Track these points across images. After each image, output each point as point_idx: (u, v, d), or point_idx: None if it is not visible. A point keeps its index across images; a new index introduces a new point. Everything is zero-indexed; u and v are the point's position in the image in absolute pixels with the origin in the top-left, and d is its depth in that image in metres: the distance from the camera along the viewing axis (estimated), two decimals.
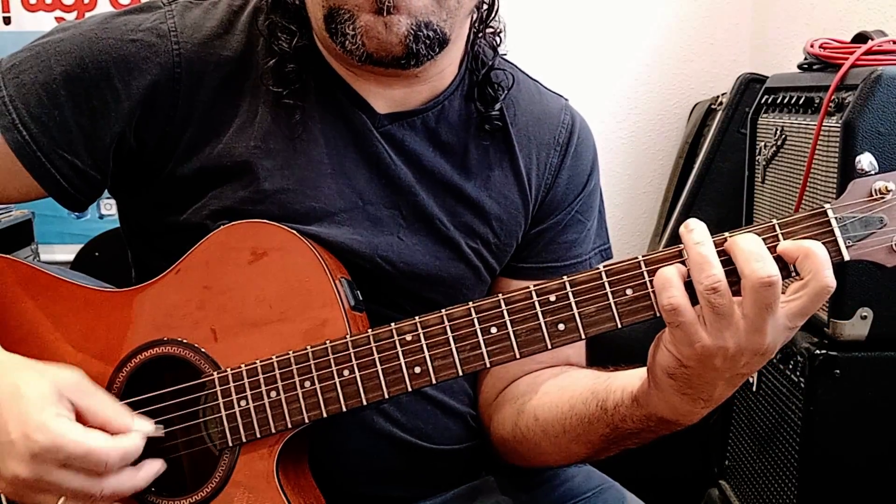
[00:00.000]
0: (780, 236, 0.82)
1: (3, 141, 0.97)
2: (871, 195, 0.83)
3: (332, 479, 1.01)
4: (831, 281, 0.80)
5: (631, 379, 0.94)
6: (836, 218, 0.82)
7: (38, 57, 0.98)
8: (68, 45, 0.98)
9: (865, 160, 0.83)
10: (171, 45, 0.99)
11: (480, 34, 1.10)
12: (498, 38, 1.13)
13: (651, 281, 0.84)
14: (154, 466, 0.91)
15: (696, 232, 0.82)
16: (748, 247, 0.81)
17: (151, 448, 0.94)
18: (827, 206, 0.83)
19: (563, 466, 1.12)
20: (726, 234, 0.83)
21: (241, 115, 1.01)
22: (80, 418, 0.86)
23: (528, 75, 1.17)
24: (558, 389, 1.05)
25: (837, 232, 0.82)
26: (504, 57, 1.14)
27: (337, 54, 1.01)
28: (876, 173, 0.83)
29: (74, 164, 0.99)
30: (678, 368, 0.85)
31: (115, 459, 0.85)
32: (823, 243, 0.81)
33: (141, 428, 0.89)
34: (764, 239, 0.82)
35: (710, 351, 0.82)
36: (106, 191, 1.09)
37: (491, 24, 1.11)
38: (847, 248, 0.82)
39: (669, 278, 0.82)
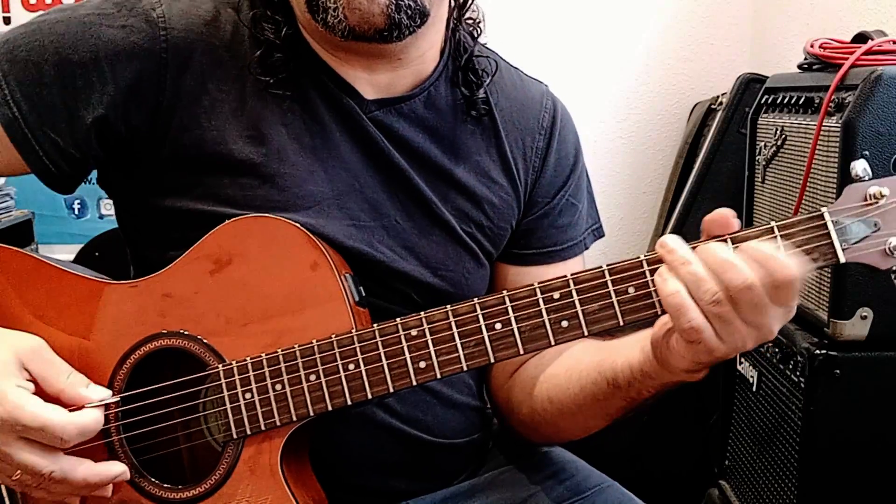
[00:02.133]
0: (779, 238, 0.84)
1: None
2: (866, 200, 0.85)
3: (333, 471, 1.01)
4: (783, 271, 0.81)
5: (633, 352, 0.96)
6: (832, 221, 0.84)
7: (33, 36, 1.00)
8: (63, 26, 1.00)
9: (860, 166, 0.85)
10: (158, 31, 1.00)
11: (460, 22, 1.12)
12: (478, 28, 1.15)
13: (653, 280, 0.85)
14: (115, 468, 0.92)
15: (677, 252, 0.84)
16: (716, 257, 0.82)
17: (152, 439, 0.95)
18: (824, 209, 0.85)
19: (585, 438, 1.13)
20: (694, 243, 0.85)
21: (230, 103, 1.02)
22: (38, 387, 0.88)
23: (508, 63, 1.19)
24: (564, 370, 1.07)
25: (834, 235, 0.84)
26: (485, 45, 1.16)
27: (321, 39, 1.03)
28: (869, 179, 0.85)
29: (56, 142, 1.00)
30: (697, 365, 0.87)
31: (71, 434, 0.87)
32: (820, 245, 0.84)
33: (94, 399, 0.91)
34: (764, 241, 0.83)
35: (726, 353, 0.85)
36: (105, 191, 1.10)
37: (469, 13, 1.13)
38: (843, 250, 0.84)
39: (684, 302, 0.83)
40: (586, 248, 1.19)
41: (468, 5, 1.12)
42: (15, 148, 0.99)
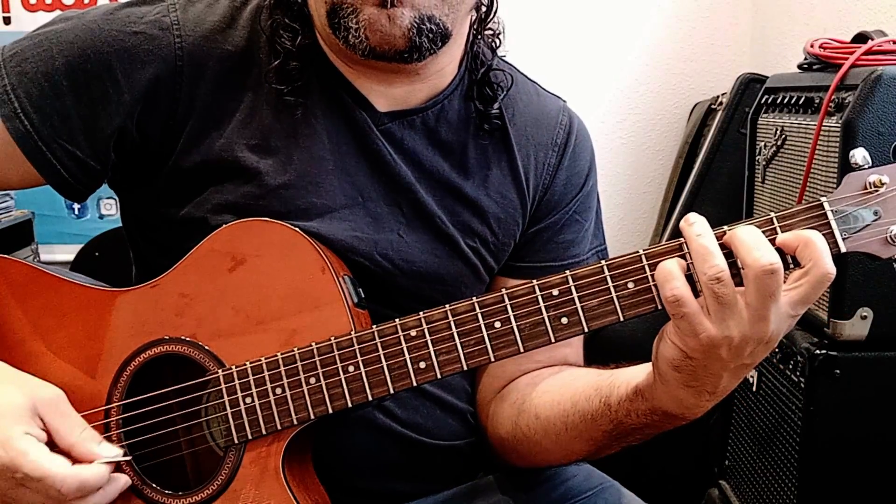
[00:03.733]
0: (779, 229, 0.83)
1: (4, 129, 0.97)
2: (866, 188, 0.84)
3: (334, 474, 1.01)
4: (831, 268, 0.80)
5: (635, 373, 0.95)
6: (832, 210, 0.83)
7: (41, 46, 0.98)
8: (71, 35, 0.98)
9: (859, 154, 0.84)
10: (173, 38, 0.99)
11: (480, 35, 1.11)
12: (497, 40, 1.14)
13: (652, 275, 0.85)
14: (120, 482, 0.92)
15: (696, 225, 0.83)
16: (748, 237, 0.81)
17: (154, 446, 0.94)
18: (823, 199, 0.84)
19: (562, 465, 1.12)
20: (725, 227, 0.84)
21: (242, 111, 1.01)
22: (50, 438, 0.87)
23: (526, 77, 1.18)
24: (560, 387, 1.05)
25: (834, 224, 0.83)
26: (503, 58, 1.15)
27: (339, 51, 1.02)
28: (869, 167, 0.84)
29: (75, 154, 0.99)
30: (684, 360, 0.85)
31: (69, 489, 0.86)
32: None
33: (105, 456, 0.90)
34: (762, 232, 0.83)
35: (716, 341, 0.82)
36: (106, 190, 1.09)
37: (490, 25, 1.12)
38: (843, 239, 0.83)
39: (671, 270, 0.83)
40: None
41: (490, 19, 1.10)
42: (29, 161, 0.98)
